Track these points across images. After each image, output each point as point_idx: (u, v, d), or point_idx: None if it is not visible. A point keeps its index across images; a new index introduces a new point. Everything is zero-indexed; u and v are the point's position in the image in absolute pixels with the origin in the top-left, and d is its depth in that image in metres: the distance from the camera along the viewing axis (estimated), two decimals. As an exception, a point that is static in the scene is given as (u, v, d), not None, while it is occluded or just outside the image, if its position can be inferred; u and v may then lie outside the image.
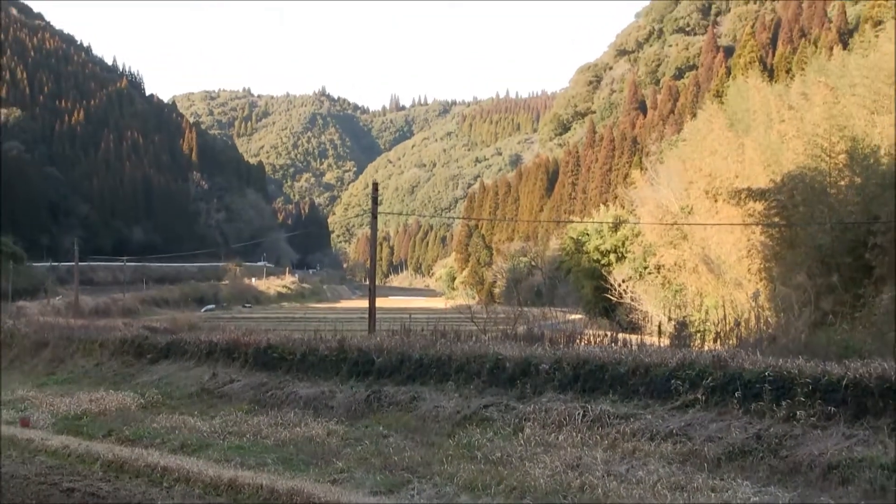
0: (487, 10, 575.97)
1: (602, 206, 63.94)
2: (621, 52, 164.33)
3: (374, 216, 27.86)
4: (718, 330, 21.04)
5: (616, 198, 63.69)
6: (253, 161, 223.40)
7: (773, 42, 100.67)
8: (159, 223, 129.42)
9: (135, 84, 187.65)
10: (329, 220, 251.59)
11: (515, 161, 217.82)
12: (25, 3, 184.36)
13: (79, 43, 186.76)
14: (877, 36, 33.47)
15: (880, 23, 35.16)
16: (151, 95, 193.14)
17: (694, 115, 56.89)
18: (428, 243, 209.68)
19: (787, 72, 57.68)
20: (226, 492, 10.24)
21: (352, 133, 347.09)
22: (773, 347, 15.94)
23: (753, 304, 26.41)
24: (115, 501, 9.91)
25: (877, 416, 10.43)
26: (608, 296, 41.26)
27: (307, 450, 12.35)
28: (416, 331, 20.07)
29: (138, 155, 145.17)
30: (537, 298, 60.72)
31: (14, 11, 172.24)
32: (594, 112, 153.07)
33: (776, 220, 26.98)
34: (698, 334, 21.64)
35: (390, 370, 16.19)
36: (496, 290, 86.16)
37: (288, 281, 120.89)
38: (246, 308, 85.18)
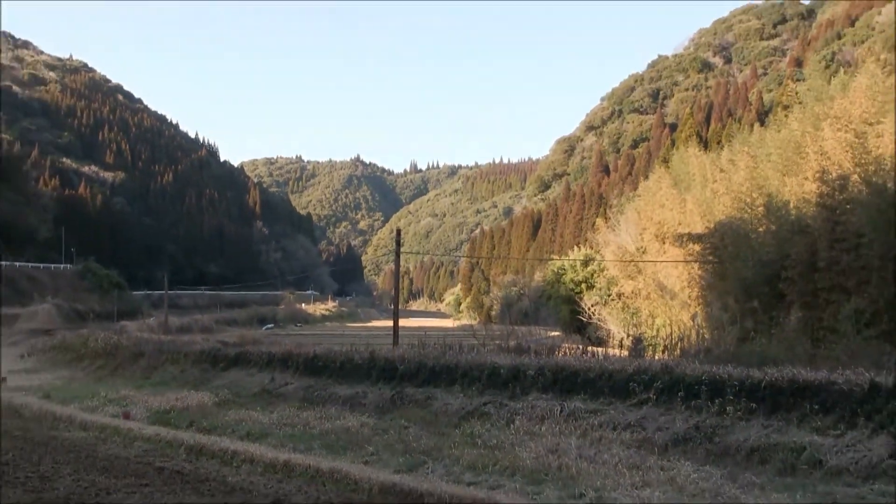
0: (486, 94, 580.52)
1: (575, 248, 63.85)
2: (590, 128, 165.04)
3: (398, 255, 27.99)
4: (666, 343, 21.00)
5: (586, 241, 63.62)
6: (303, 212, 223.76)
7: (707, 120, 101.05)
8: (230, 260, 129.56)
9: (212, 153, 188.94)
10: (362, 258, 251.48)
11: (508, 212, 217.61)
12: (129, 90, 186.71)
13: (169, 121, 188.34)
14: (786, 116, 33.60)
15: (788, 106, 35.33)
16: (225, 161, 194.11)
17: (646, 177, 56.94)
18: (439, 276, 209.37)
19: (718, 143, 57.76)
20: (281, 470, 10.25)
21: (380, 190, 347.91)
22: (709, 357, 15.92)
23: (693, 323, 26.40)
24: (196, 477, 9.92)
25: (788, 410, 10.46)
26: (580, 317, 41.10)
27: (345, 438, 12.36)
28: (430, 345, 20.09)
29: (214, 208, 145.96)
30: (525, 319, 60.38)
31: (120, 97, 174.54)
32: (569, 174, 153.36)
33: (710, 258, 27.00)
34: (650, 347, 21.58)
35: (410, 375, 16.17)
36: (493, 313, 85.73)
37: (330, 305, 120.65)
38: (297, 327, 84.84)
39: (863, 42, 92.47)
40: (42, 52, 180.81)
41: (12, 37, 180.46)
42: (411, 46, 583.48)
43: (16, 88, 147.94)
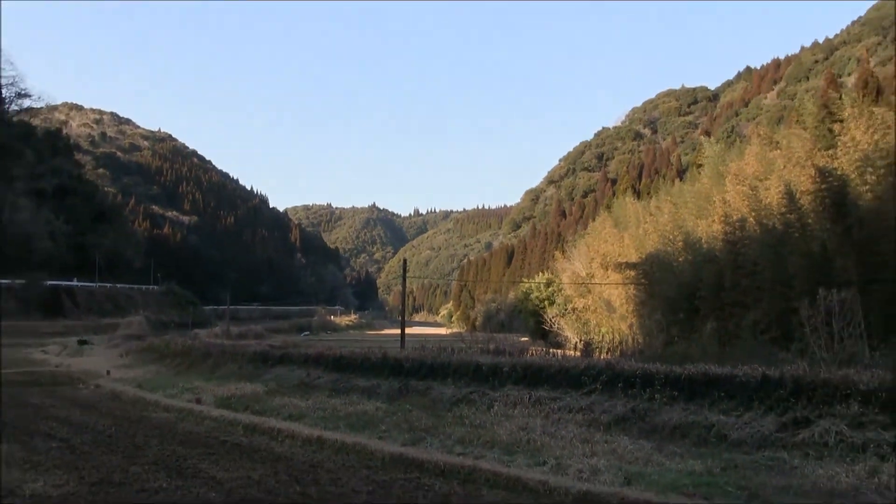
0: (472, 157, 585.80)
1: (540, 273, 63.81)
2: (551, 182, 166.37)
3: (404, 279, 28.06)
4: (609, 346, 21.03)
5: (548, 268, 63.43)
6: (332, 247, 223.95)
7: (640, 176, 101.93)
8: (277, 283, 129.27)
9: (263, 201, 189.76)
10: (377, 282, 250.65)
11: (488, 246, 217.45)
12: (202, 154, 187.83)
13: (231, 177, 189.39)
14: (698, 174, 33.96)
15: (700, 166, 35.73)
16: (273, 208, 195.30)
17: (594, 219, 57.31)
18: (436, 295, 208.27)
19: (648, 194, 58.15)
20: (315, 443, 10.19)
21: (391, 230, 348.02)
22: (642, 357, 15.96)
23: (630, 331, 26.42)
24: (251, 448, 9.87)
25: (702, 397, 10.46)
26: (544, 326, 40.94)
27: (364, 419, 12.29)
28: (429, 348, 20.02)
29: (264, 243, 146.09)
30: (502, 328, 60.20)
31: (195, 160, 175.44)
32: (535, 217, 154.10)
33: (643, 281, 27.11)
34: (597, 349, 21.57)
35: (413, 371, 16.08)
36: (477, 323, 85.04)
37: (352, 318, 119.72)
38: (327, 334, 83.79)
39: (754, 118, 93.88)
40: (139, 127, 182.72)
41: (117, 115, 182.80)
42: (414, 120, 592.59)
43: (119, 154, 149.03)
